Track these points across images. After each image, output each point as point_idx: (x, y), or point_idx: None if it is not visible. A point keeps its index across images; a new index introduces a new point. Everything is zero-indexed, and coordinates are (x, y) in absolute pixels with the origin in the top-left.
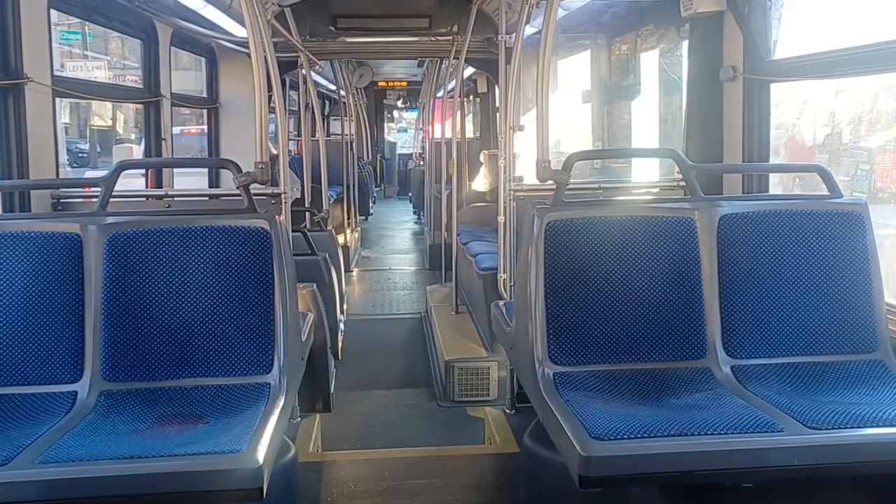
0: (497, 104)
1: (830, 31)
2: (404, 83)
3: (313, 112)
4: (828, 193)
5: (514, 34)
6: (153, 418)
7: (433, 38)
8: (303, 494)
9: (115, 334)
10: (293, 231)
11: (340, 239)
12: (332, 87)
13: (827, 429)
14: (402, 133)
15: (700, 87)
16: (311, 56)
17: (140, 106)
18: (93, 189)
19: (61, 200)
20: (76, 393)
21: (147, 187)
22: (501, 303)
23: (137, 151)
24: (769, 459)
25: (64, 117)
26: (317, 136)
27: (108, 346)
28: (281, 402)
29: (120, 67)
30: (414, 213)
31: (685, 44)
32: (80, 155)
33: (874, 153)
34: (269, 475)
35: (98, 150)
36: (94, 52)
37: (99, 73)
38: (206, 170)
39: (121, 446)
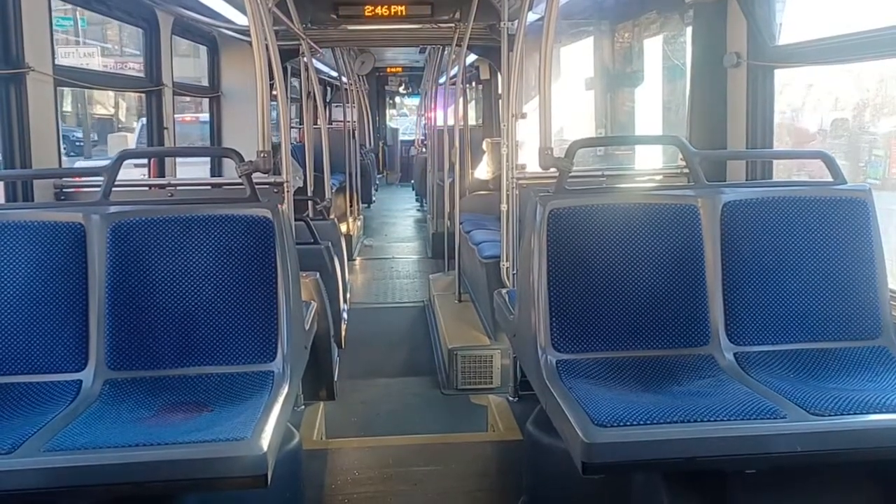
0: (500, 91)
1: (835, 16)
2: (406, 69)
3: (315, 100)
4: (832, 180)
5: (516, 21)
6: (158, 406)
7: (435, 25)
8: (307, 482)
9: (119, 323)
10: (296, 220)
11: (343, 227)
12: (334, 73)
13: (830, 415)
14: (403, 118)
15: (704, 74)
16: (312, 44)
17: (138, 94)
18: (95, 178)
19: (64, 190)
20: (81, 382)
21: (149, 176)
22: (504, 291)
23: (132, 140)
24: (772, 446)
25: (63, 105)
26: (318, 123)
27: (113, 335)
28: (285, 390)
29: (118, 55)
30: (416, 200)
31: (689, 30)
32: (78, 144)
33: (888, 138)
34: (273, 462)
35: (95, 138)
36: (92, 40)
37: (91, 60)
38: (208, 159)
39: (126, 434)
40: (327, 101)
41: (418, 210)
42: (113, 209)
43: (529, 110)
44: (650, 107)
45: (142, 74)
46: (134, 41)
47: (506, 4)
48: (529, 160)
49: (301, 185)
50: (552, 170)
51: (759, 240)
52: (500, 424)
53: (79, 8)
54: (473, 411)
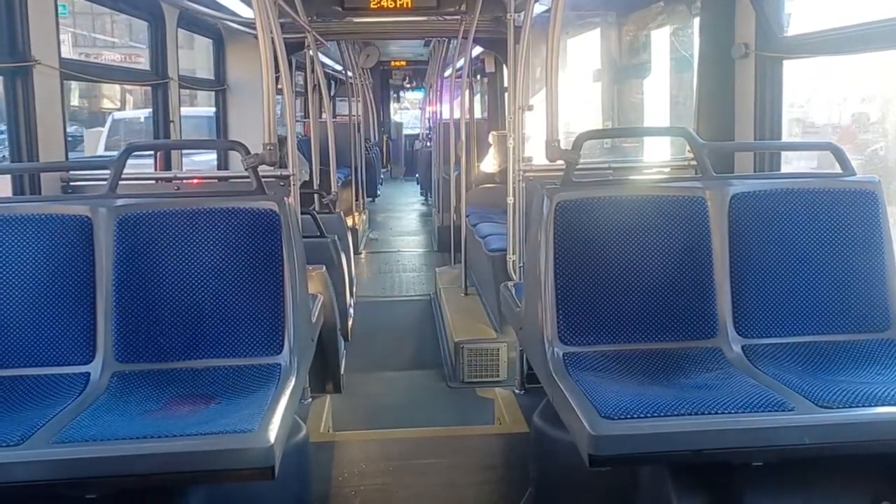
0: (505, 84)
1: (846, 5)
2: (411, 63)
3: (320, 93)
4: (840, 171)
5: (522, 13)
6: (165, 399)
7: (441, 18)
8: (314, 474)
9: (126, 316)
10: (302, 213)
11: (349, 221)
12: (339, 67)
13: (838, 408)
14: (405, 112)
15: (711, 65)
16: (318, 37)
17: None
18: (102, 172)
19: (71, 183)
20: (89, 374)
21: (156, 170)
22: (511, 284)
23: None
24: (780, 438)
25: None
26: (324, 117)
27: (120, 328)
28: (291, 383)
29: (110, 46)
30: (421, 194)
31: (696, 21)
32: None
33: None
34: (280, 455)
35: (82, 133)
36: (84, 31)
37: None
38: (214, 152)
39: (134, 426)
40: (332, 94)
41: (423, 204)
42: (120, 202)
43: (535, 103)
44: (658, 98)
45: (143, 67)
46: (128, 32)
47: None
48: (536, 153)
49: (307, 178)
50: (559, 162)
51: (767, 232)
52: (507, 417)
53: None
54: (480, 404)
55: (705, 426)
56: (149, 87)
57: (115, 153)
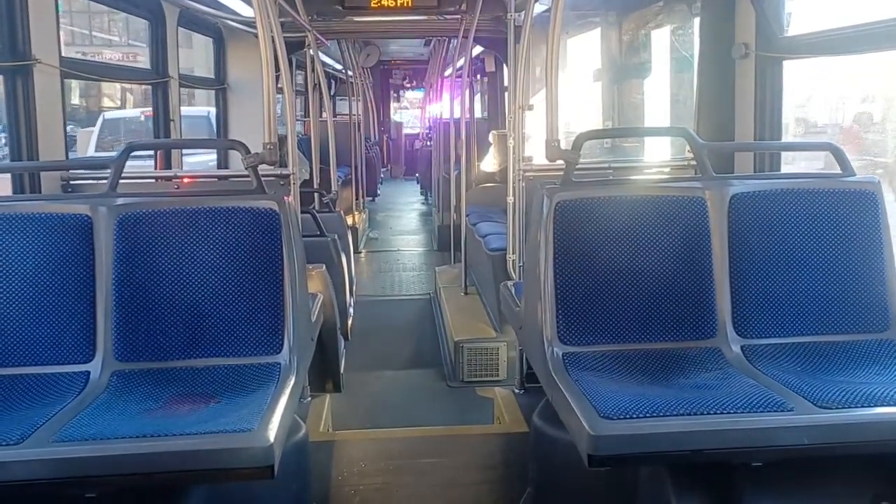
0: (505, 84)
1: (846, 6)
2: (411, 62)
3: (321, 92)
4: (840, 172)
5: (522, 12)
6: (165, 398)
7: (441, 17)
8: (313, 473)
9: (126, 315)
10: (302, 212)
11: (348, 220)
12: (339, 66)
13: (837, 408)
14: (405, 111)
15: (711, 65)
16: (318, 36)
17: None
18: (102, 171)
19: (71, 182)
20: (88, 373)
21: (156, 169)
22: (510, 283)
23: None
24: (779, 439)
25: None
26: (324, 116)
27: (120, 327)
28: (291, 382)
29: (108, 44)
30: (421, 193)
31: (696, 21)
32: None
33: None
34: (279, 454)
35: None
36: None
37: None
38: (214, 151)
39: (133, 425)
40: (332, 94)
41: (423, 203)
42: (120, 201)
43: (536, 102)
44: (658, 98)
45: (143, 66)
46: (126, 31)
47: None
48: (536, 152)
49: (307, 177)
50: (559, 162)
51: (766, 232)
52: (507, 417)
53: None
54: (479, 403)
55: (704, 426)
56: (148, 87)
57: (107, 154)
